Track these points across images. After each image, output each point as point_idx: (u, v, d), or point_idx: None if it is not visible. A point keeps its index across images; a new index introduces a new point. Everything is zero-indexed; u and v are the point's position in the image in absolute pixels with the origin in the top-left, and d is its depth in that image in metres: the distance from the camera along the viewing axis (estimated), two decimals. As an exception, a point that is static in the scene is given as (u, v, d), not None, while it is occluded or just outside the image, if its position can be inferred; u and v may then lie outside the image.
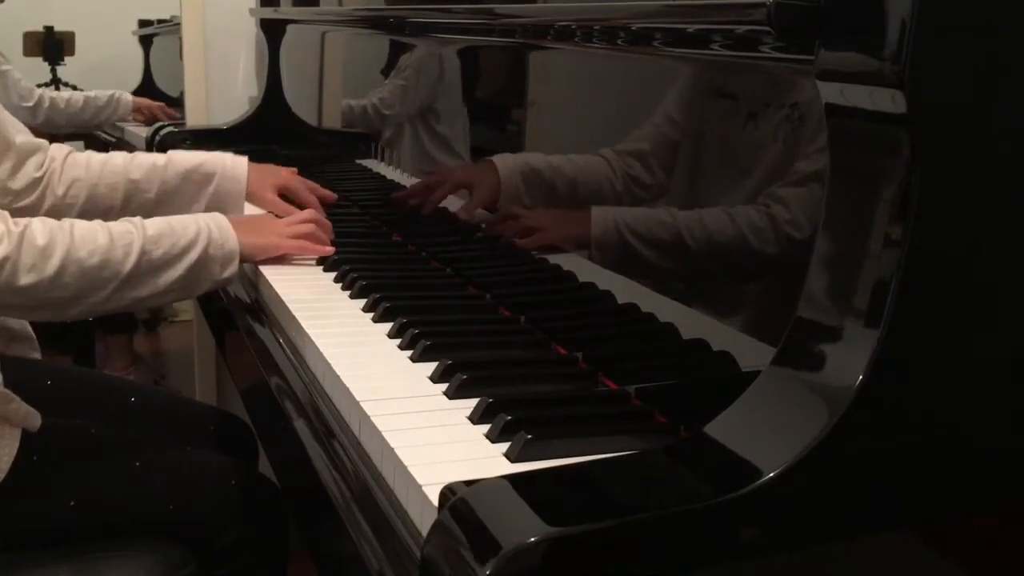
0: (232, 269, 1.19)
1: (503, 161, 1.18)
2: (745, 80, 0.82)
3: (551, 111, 1.15)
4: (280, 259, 1.28)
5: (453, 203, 1.35)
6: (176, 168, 1.44)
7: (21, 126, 1.36)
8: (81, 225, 1.11)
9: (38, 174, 1.36)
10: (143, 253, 1.12)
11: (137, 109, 3.23)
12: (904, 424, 0.62)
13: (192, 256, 1.15)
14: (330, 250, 1.30)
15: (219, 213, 1.25)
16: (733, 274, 0.81)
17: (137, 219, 1.17)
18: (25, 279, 1.04)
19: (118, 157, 1.44)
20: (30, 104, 2.95)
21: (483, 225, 1.24)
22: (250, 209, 1.53)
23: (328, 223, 1.36)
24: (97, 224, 1.13)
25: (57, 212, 1.38)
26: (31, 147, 1.36)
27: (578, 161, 1.03)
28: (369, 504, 0.76)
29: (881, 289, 0.60)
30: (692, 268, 0.85)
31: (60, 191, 1.38)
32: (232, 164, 1.47)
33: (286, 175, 1.54)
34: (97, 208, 1.40)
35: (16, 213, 1.30)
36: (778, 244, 0.74)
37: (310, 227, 1.31)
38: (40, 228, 1.07)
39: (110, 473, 1.16)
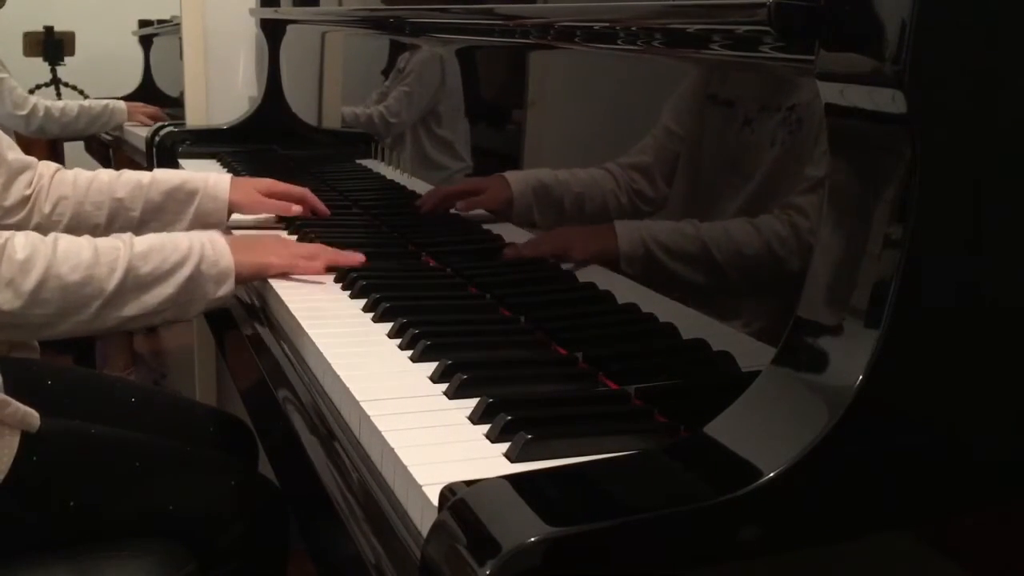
0: (227, 288, 1.16)
1: (515, 177, 1.18)
2: (743, 84, 0.82)
3: (551, 112, 1.15)
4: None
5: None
6: (160, 187, 1.44)
7: (12, 143, 1.37)
8: (66, 240, 1.10)
9: (28, 192, 1.36)
10: (129, 269, 1.09)
11: (134, 113, 3.23)
12: (904, 424, 0.62)
13: (184, 272, 1.12)
14: (320, 268, 1.23)
15: (215, 231, 1.23)
16: (755, 286, 0.80)
17: (127, 235, 1.15)
18: (1, 295, 1.03)
19: (104, 175, 1.44)
20: (24, 113, 2.96)
21: (505, 249, 1.18)
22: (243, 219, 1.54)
23: (342, 256, 1.27)
24: (84, 240, 1.11)
25: (43, 230, 1.39)
26: (22, 164, 1.36)
27: (583, 176, 1.03)
28: (369, 504, 0.76)
29: (881, 289, 0.60)
30: (717, 280, 0.83)
31: (47, 209, 1.39)
32: (214, 182, 1.47)
33: (266, 182, 1.53)
34: (82, 226, 1.41)
35: (3, 230, 1.30)
36: (801, 255, 0.74)
37: (313, 250, 1.26)
38: (22, 242, 1.06)
39: (110, 473, 1.15)
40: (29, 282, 1.04)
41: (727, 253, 0.81)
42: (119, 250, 1.11)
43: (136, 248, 1.12)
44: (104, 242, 1.12)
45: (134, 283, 1.10)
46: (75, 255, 1.08)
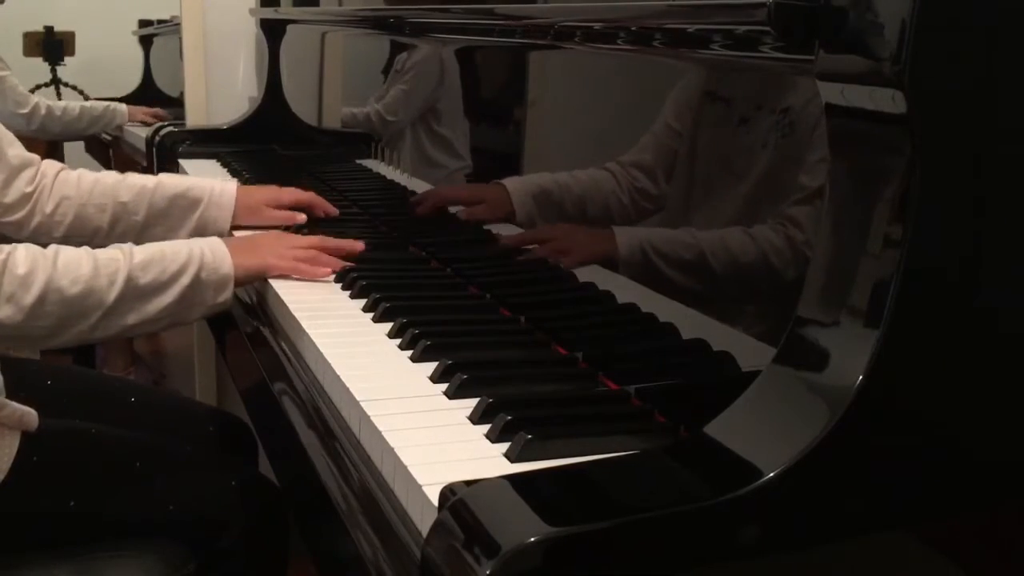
0: (227, 294, 1.17)
1: (514, 185, 1.18)
2: (741, 84, 0.82)
3: (551, 111, 1.15)
4: None
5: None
6: (164, 192, 1.44)
7: (13, 139, 1.36)
8: (66, 253, 1.10)
9: (29, 189, 1.36)
10: (129, 280, 1.10)
11: (135, 115, 3.23)
12: (904, 424, 0.62)
13: (183, 281, 1.13)
14: (326, 272, 1.23)
15: (216, 237, 1.24)
16: (750, 293, 0.80)
17: (127, 245, 1.16)
18: (2, 310, 1.04)
19: (109, 177, 1.44)
20: (25, 111, 2.96)
21: (503, 248, 1.18)
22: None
23: (342, 243, 1.29)
24: (83, 251, 1.12)
25: (45, 229, 1.39)
26: (23, 161, 1.36)
27: (583, 177, 1.02)
28: (369, 504, 0.76)
29: (881, 289, 0.60)
30: (714, 288, 0.83)
31: (48, 208, 1.38)
32: (220, 191, 1.47)
33: (272, 191, 1.53)
34: (85, 228, 1.41)
35: (4, 227, 1.30)
36: (797, 266, 0.73)
37: (311, 253, 1.25)
38: (23, 256, 1.06)
39: (110, 473, 1.15)
40: (30, 296, 1.05)
41: (724, 263, 0.81)
42: (118, 261, 1.11)
43: (135, 259, 1.13)
44: (103, 253, 1.13)
45: (134, 294, 1.11)
46: (75, 268, 1.08)
